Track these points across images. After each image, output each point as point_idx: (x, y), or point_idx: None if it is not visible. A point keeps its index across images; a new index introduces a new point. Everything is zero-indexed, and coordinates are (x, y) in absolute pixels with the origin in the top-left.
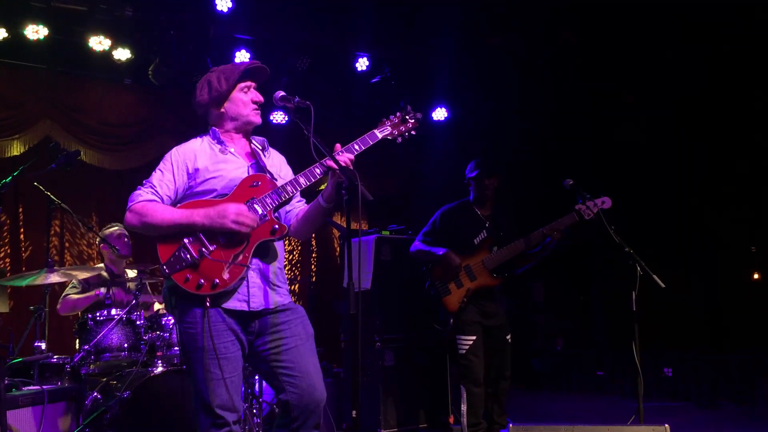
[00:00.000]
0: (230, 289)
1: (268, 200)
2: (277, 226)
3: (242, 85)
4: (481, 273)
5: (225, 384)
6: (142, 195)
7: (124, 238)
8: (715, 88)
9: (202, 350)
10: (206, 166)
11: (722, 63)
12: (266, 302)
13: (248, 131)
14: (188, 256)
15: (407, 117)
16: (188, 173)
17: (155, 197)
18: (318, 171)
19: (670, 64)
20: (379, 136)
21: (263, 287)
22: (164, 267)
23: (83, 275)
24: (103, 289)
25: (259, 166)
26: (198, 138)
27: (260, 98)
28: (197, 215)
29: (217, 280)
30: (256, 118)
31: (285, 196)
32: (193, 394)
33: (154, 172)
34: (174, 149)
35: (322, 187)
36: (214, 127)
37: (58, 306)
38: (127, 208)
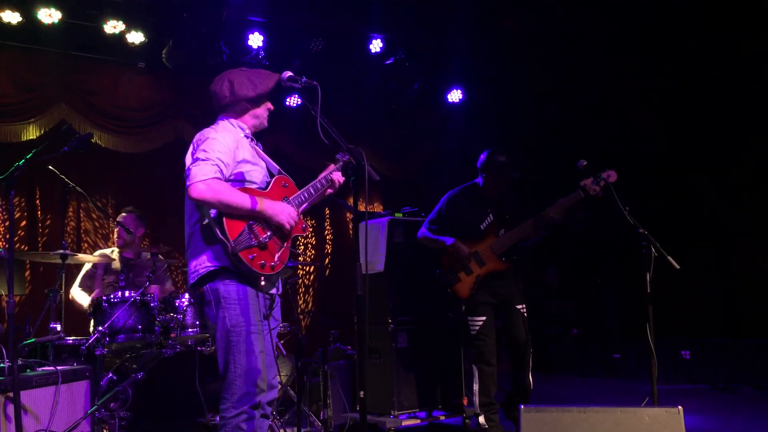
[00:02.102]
0: (277, 274)
1: (298, 200)
2: (304, 226)
3: None
4: (490, 258)
5: (262, 358)
6: (213, 172)
7: (137, 219)
8: (729, 74)
9: (249, 323)
10: (247, 158)
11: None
12: (280, 288)
13: (257, 131)
14: (255, 237)
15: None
16: (236, 161)
17: (221, 177)
18: (326, 180)
19: (688, 49)
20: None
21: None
22: (233, 243)
23: (93, 260)
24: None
25: (272, 167)
26: (228, 124)
27: (272, 107)
28: (265, 206)
29: (273, 263)
30: (267, 123)
31: (311, 199)
32: (230, 367)
33: (211, 149)
34: (220, 130)
35: None
36: (239, 121)
37: (70, 296)
38: (200, 180)
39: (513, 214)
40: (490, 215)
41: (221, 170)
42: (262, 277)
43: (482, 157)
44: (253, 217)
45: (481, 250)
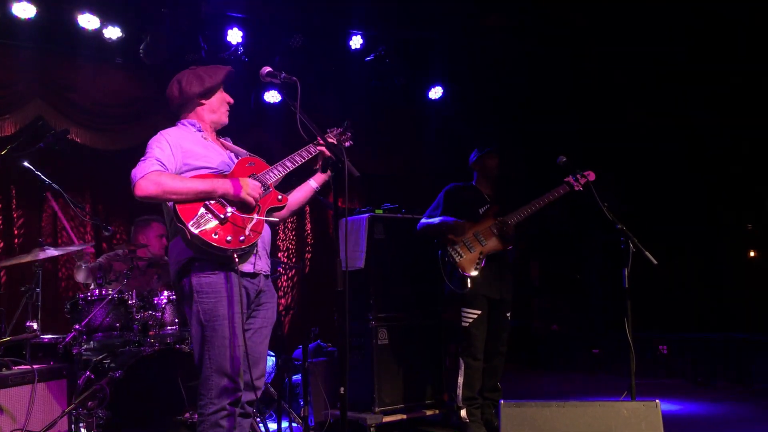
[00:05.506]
0: (250, 246)
1: (270, 175)
2: (281, 196)
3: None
4: (490, 237)
5: (240, 352)
6: (153, 166)
7: (164, 239)
8: (717, 68)
9: (224, 318)
10: (196, 147)
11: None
12: (264, 266)
13: (217, 128)
14: (214, 215)
15: (347, 131)
16: (182, 151)
17: (163, 169)
18: (300, 157)
19: (675, 42)
20: (334, 141)
21: (261, 252)
22: (190, 226)
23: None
24: None
25: (236, 156)
26: (176, 126)
27: (231, 100)
28: (217, 184)
29: (242, 237)
30: (227, 119)
31: (285, 172)
32: (205, 362)
33: (150, 150)
34: (161, 133)
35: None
36: (191, 119)
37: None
38: (141, 177)
39: (506, 206)
40: (487, 204)
41: (162, 163)
42: (235, 254)
43: (471, 156)
44: (208, 197)
45: (482, 230)
